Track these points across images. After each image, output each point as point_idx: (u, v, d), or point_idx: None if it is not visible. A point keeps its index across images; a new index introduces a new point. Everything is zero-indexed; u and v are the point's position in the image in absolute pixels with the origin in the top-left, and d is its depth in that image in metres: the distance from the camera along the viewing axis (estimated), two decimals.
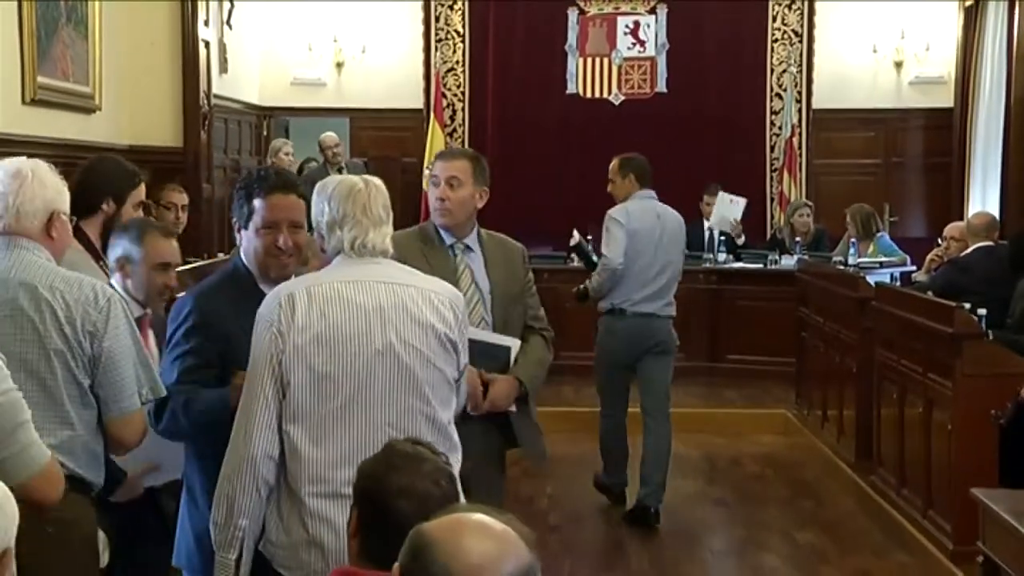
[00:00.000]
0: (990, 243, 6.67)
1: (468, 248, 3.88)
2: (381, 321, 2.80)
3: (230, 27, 9.45)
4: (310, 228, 3.01)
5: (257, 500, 2.78)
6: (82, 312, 2.89)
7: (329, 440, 2.77)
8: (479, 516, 1.60)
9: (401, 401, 2.81)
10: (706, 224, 9.67)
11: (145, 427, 3.03)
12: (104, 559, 3.12)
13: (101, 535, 3.10)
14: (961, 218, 8.84)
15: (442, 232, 3.87)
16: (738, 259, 9.51)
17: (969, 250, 6.71)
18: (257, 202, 3.05)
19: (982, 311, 5.60)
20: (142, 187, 3.99)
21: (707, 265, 9.40)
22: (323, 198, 2.91)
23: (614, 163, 6.43)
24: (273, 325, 2.77)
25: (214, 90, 8.73)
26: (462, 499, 2.26)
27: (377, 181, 2.95)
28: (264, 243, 3.05)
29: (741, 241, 9.54)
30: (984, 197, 10.03)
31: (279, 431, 2.77)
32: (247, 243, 3.10)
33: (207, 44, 8.58)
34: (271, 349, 2.77)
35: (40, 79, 6.54)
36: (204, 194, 8.39)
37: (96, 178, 3.89)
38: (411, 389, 2.82)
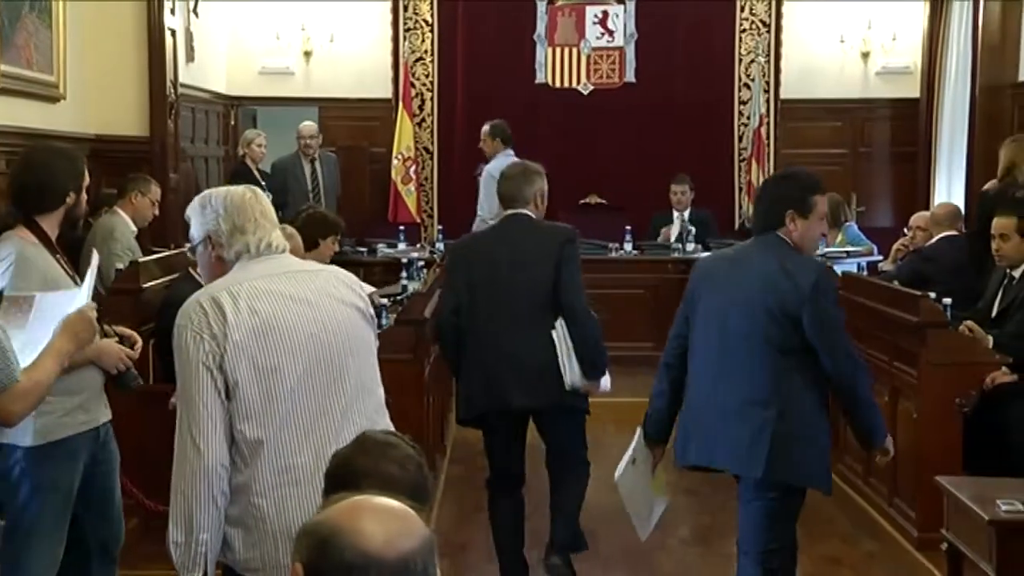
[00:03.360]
0: (954, 233, 6.72)
1: None
2: (310, 307, 2.83)
3: (196, 15, 9.36)
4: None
5: (215, 512, 2.71)
6: None
7: (285, 430, 2.75)
8: (373, 498, 1.60)
9: (344, 380, 2.84)
10: (675, 214, 9.69)
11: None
12: None
13: None
14: (927, 207, 8.90)
15: None
16: (707, 249, 9.52)
17: (934, 240, 6.76)
18: (818, 198, 3.92)
19: (947, 300, 5.64)
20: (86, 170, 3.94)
21: (676, 255, 9.43)
22: (212, 210, 2.91)
23: (485, 128, 8.73)
24: (203, 331, 2.72)
25: (181, 79, 8.65)
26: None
27: (256, 190, 3.01)
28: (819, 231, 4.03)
29: None
30: (950, 187, 10.11)
31: (229, 436, 2.72)
32: (807, 230, 3.91)
33: (173, 32, 8.50)
34: (203, 356, 2.71)
35: (2, 67, 6.46)
36: (171, 184, 8.30)
37: (59, 175, 3.76)
38: (351, 368, 2.86)
